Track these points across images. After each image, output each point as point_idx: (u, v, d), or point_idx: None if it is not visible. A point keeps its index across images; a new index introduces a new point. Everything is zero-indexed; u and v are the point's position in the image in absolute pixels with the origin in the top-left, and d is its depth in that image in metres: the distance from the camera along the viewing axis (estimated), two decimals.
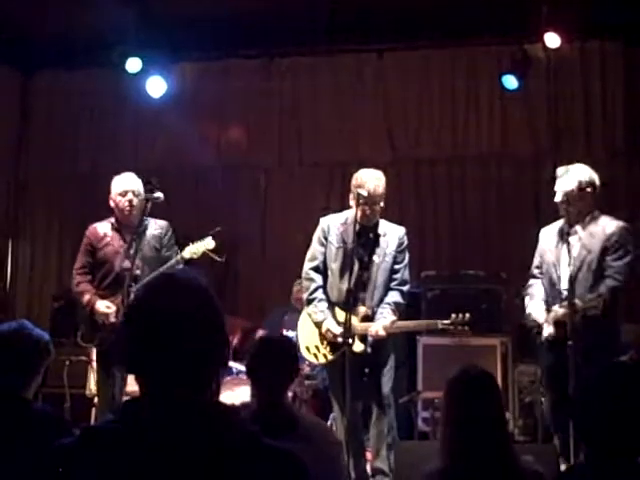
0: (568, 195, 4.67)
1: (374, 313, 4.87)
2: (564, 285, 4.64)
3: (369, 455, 5.04)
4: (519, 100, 7.49)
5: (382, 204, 4.92)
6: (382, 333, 4.75)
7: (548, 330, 4.63)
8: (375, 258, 4.89)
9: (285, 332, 6.46)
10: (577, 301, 4.44)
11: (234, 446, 1.54)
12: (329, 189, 8.17)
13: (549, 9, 6.48)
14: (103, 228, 5.25)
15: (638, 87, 7.44)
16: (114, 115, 8.21)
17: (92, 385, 6.08)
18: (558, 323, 4.54)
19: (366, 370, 4.82)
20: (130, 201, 5.14)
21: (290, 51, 8.04)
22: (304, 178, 8.25)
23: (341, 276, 4.91)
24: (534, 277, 4.97)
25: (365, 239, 4.91)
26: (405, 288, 4.97)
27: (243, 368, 6.19)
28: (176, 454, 1.51)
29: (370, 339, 4.81)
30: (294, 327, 6.58)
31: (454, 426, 2.72)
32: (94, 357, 6.07)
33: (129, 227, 5.18)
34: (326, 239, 5.04)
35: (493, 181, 7.81)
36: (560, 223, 4.85)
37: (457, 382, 2.79)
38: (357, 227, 4.84)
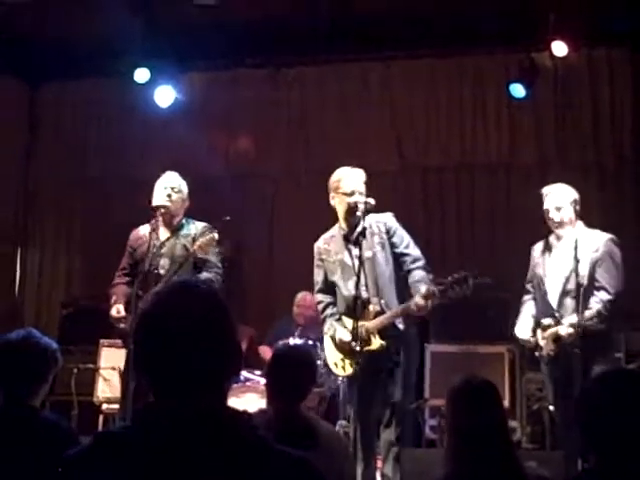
0: (557, 213, 4.85)
1: (385, 305, 4.74)
2: (553, 297, 4.77)
3: (379, 462, 4.99)
4: (526, 108, 7.49)
5: (364, 196, 4.85)
6: (421, 302, 4.54)
7: (549, 347, 4.72)
8: (367, 253, 4.75)
9: (292, 339, 6.45)
10: (574, 319, 4.53)
11: (246, 452, 1.54)
12: None
13: (556, 17, 6.48)
14: (144, 229, 5.22)
15: None
16: (122, 125, 8.25)
17: (99, 392, 6.10)
18: (557, 340, 4.63)
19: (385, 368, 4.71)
20: (169, 195, 5.11)
21: (297, 61, 8.07)
22: (311, 187, 8.22)
23: (344, 286, 4.90)
24: (527, 292, 5.12)
25: (354, 240, 4.80)
26: (421, 263, 4.81)
27: (250, 375, 6.24)
28: (187, 460, 1.51)
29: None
30: (300, 337, 6.61)
31: (457, 435, 2.72)
32: (102, 364, 6.10)
33: (168, 227, 5.18)
34: (322, 260, 5.06)
35: (501, 189, 7.80)
36: (547, 240, 4.97)
37: (459, 392, 2.80)
38: (344, 231, 4.88)
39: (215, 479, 1.50)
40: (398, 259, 4.84)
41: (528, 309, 5.03)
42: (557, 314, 4.68)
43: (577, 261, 4.65)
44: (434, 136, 7.89)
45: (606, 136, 7.49)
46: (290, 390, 3.27)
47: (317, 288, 5.10)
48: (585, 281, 4.61)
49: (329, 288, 5.04)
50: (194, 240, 5.08)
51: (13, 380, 3.00)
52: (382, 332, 4.67)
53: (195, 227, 5.20)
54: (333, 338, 4.93)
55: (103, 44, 7.15)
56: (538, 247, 5.09)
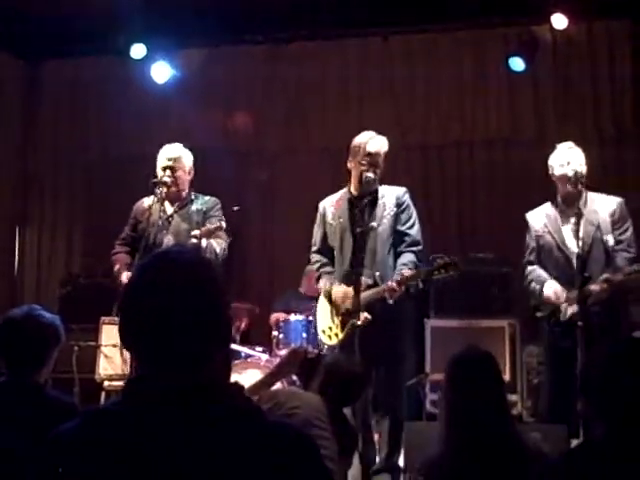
0: (580, 172, 4.72)
1: (378, 280, 4.68)
2: (575, 262, 4.59)
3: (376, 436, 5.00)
4: (526, 82, 7.45)
5: (381, 167, 4.82)
6: (394, 286, 4.51)
7: (571, 310, 4.57)
8: (373, 224, 4.70)
9: (294, 316, 6.47)
10: (613, 276, 4.43)
11: (235, 423, 1.52)
12: (335, 174, 8.15)
13: None
14: (148, 201, 5.14)
15: None
16: (119, 102, 8.19)
17: (101, 370, 6.10)
18: (580, 302, 4.46)
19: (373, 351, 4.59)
20: (169, 176, 5.04)
21: (296, 36, 8.00)
22: (311, 163, 8.23)
23: (342, 252, 4.85)
24: (530, 264, 4.94)
25: (361, 207, 4.71)
26: (417, 248, 4.79)
27: (251, 352, 6.26)
28: (175, 434, 1.49)
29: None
30: (301, 313, 6.64)
31: (455, 405, 2.73)
32: (103, 341, 6.10)
33: (175, 201, 5.14)
34: (324, 222, 5.01)
35: (501, 163, 7.79)
36: (548, 205, 4.85)
37: (459, 362, 2.80)
38: (351, 195, 4.83)
39: (205, 452, 1.48)
40: (398, 236, 4.81)
41: (542, 274, 4.81)
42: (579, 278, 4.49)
43: (598, 225, 4.64)
44: (434, 111, 7.85)
45: (606, 109, 7.46)
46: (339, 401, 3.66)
47: (314, 248, 5.07)
48: (612, 243, 4.57)
49: (326, 250, 5.01)
50: (205, 214, 5.04)
51: (18, 357, 3.00)
52: (369, 306, 4.58)
53: (203, 201, 5.17)
54: (329, 294, 4.87)
55: (100, 20, 7.08)
56: (538, 215, 4.95)
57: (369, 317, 4.48)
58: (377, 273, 4.71)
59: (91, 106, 8.42)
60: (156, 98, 7.73)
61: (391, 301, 4.59)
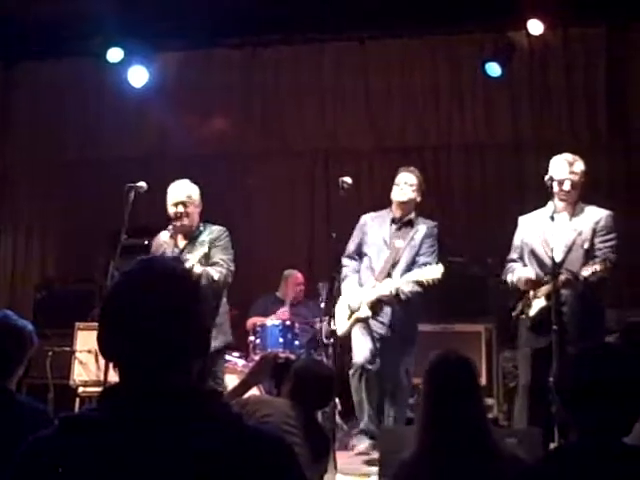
0: (576, 181, 4.81)
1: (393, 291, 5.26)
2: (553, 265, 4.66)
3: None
4: (502, 87, 7.50)
5: (415, 196, 5.45)
6: (385, 292, 5.21)
7: (539, 304, 4.68)
8: (398, 243, 5.37)
9: (270, 321, 6.47)
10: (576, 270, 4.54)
11: (215, 430, 1.52)
12: (312, 178, 8.18)
13: None
14: (164, 236, 5.33)
15: (620, 72, 7.47)
16: (97, 105, 8.16)
17: (75, 375, 6.05)
18: (548, 296, 4.58)
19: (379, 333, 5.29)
20: (182, 213, 5.18)
21: (273, 40, 8.00)
22: (288, 167, 8.24)
23: (374, 260, 5.39)
24: (513, 261, 5.02)
25: (397, 226, 5.46)
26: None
27: (229, 357, 6.24)
28: (153, 440, 1.49)
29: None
30: (277, 317, 6.65)
31: (432, 409, 2.73)
32: (78, 347, 6.06)
33: (186, 234, 5.26)
34: (364, 231, 5.53)
35: (476, 167, 7.83)
36: (542, 211, 4.93)
37: (436, 366, 2.81)
38: (392, 216, 5.47)
39: (185, 459, 1.48)
40: (415, 260, 5.36)
41: (520, 266, 4.95)
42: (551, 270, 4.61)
43: (580, 232, 4.75)
44: (410, 116, 7.88)
45: (581, 114, 7.54)
46: (314, 407, 3.69)
47: (347, 253, 5.54)
48: (586, 246, 4.69)
49: (358, 255, 5.54)
50: (210, 244, 5.16)
51: None
52: (374, 305, 5.29)
53: (210, 231, 5.28)
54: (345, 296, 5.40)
55: (77, 23, 7.04)
56: (529, 219, 5.04)
57: (369, 314, 5.28)
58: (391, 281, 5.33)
59: (68, 109, 8.36)
60: (133, 102, 7.70)
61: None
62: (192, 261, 4.89)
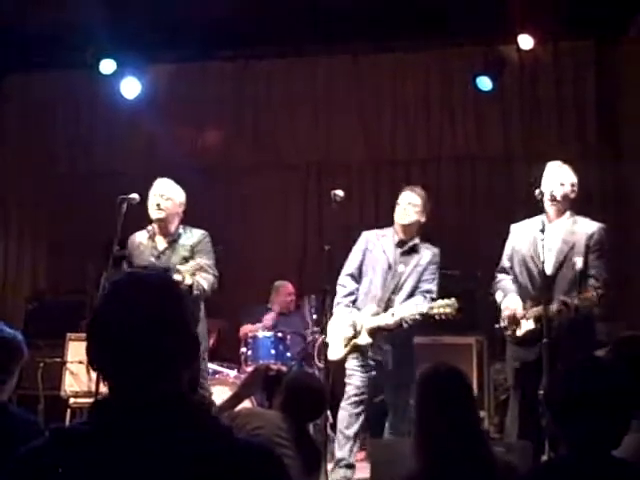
0: (563, 192, 4.73)
1: (392, 315, 5.08)
2: (545, 279, 4.61)
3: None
4: (493, 101, 7.55)
5: (418, 218, 5.26)
6: (389, 322, 5.02)
7: (527, 326, 4.62)
8: (407, 269, 5.19)
9: (262, 332, 6.48)
10: (569, 299, 4.45)
11: (205, 441, 1.53)
12: (305, 190, 8.20)
13: (522, 11, 6.52)
14: (140, 237, 5.24)
15: (610, 85, 7.53)
16: (88, 117, 8.17)
17: (67, 386, 6.03)
18: (538, 319, 4.52)
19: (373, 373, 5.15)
20: (160, 205, 5.13)
21: (265, 53, 8.03)
22: (280, 179, 8.26)
23: (373, 283, 5.21)
24: (504, 272, 4.95)
25: (401, 250, 5.24)
26: (428, 295, 5.16)
27: (219, 368, 6.24)
28: (144, 452, 1.49)
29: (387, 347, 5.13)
30: (269, 327, 6.67)
31: (426, 422, 2.73)
32: (69, 358, 6.05)
33: (165, 236, 5.19)
34: (367, 248, 5.33)
35: (467, 181, 7.87)
36: (534, 220, 4.87)
37: (428, 378, 2.81)
38: (396, 239, 5.26)
39: (173, 470, 1.48)
40: (417, 287, 5.21)
41: (511, 287, 4.86)
42: (546, 295, 4.54)
43: (572, 246, 4.66)
44: (401, 129, 7.91)
45: (571, 127, 7.59)
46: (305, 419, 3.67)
47: (347, 272, 5.34)
48: (580, 265, 4.58)
49: (358, 275, 5.33)
50: (192, 249, 5.11)
51: None
52: (373, 332, 5.10)
53: (191, 235, 5.22)
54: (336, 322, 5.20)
55: (69, 35, 7.05)
56: (521, 228, 4.95)
57: (370, 341, 5.08)
58: (392, 311, 5.11)
59: (60, 120, 8.37)
60: (125, 114, 7.70)
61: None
62: (184, 272, 4.82)
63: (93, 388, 5.22)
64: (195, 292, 4.85)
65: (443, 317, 4.95)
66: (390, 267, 5.20)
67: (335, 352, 5.15)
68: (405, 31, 7.45)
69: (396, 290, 5.16)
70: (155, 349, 1.57)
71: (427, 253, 5.29)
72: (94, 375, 5.27)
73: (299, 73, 8.08)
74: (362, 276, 5.32)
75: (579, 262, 4.58)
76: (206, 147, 8.15)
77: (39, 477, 1.50)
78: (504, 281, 4.91)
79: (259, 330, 6.57)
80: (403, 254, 5.24)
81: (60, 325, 6.39)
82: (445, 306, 4.92)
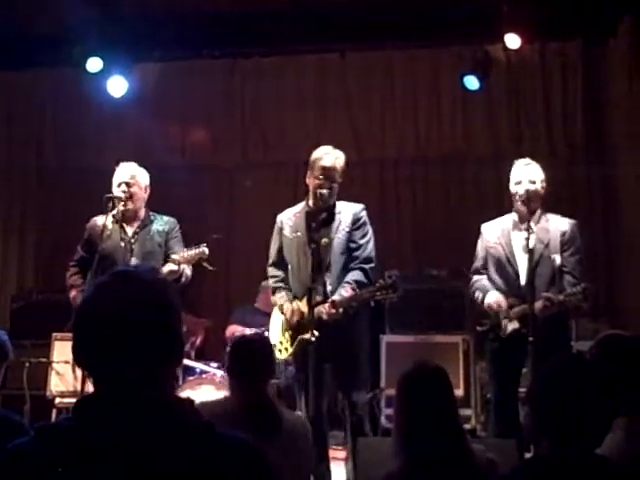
0: (532, 190, 4.71)
1: (331, 294, 4.61)
2: (523, 279, 4.66)
3: (342, 454, 5.02)
4: (480, 100, 7.56)
5: (338, 182, 4.79)
6: (331, 310, 4.49)
7: (512, 326, 4.62)
8: (325, 239, 4.64)
9: (249, 331, 6.46)
10: (553, 295, 4.47)
11: (188, 438, 1.54)
12: (294, 188, 8.18)
13: (509, 10, 6.53)
14: (101, 219, 5.07)
15: (597, 85, 7.56)
16: (75, 115, 8.13)
17: (52, 386, 6.01)
18: (523, 318, 4.53)
19: (326, 365, 4.62)
20: (125, 193, 5.04)
21: (253, 52, 8.02)
22: (269, 178, 8.25)
23: (298, 267, 4.77)
24: (479, 273, 4.94)
25: (317, 222, 4.62)
26: (368, 266, 4.70)
27: (206, 368, 6.22)
28: (129, 450, 1.50)
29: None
30: (256, 327, 6.65)
31: (406, 419, 2.74)
32: (54, 358, 6.02)
33: (133, 221, 5.12)
34: (281, 235, 4.93)
35: (455, 180, 7.89)
36: (505, 219, 4.88)
37: (410, 377, 2.82)
38: (308, 209, 4.79)
39: (157, 467, 1.50)
40: (351, 252, 4.74)
41: (487, 283, 4.82)
42: (526, 294, 4.53)
43: (547, 243, 4.67)
44: (390, 127, 7.93)
45: (558, 127, 7.62)
46: (255, 378, 3.30)
47: (270, 261, 4.99)
48: (559, 262, 4.57)
49: (282, 263, 4.93)
50: (167, 235, 5.05)
51: None
52: (319, 322, 4.47)
53: (163, 222, 5.17)
54: (281, 308, 4.82)
55: (56, 33, 7.03)
56: (492, 227, 4.94)
57: (316, 334, 4.32)
58: (329, 288, 4.63)
59: (47, 118, 8.34)
60: (113, 112, 7.67)
61: (325, 317, 4.51)
62: (182, 262, 4.81)
63: (79, 388, 5.20)
64: (182, 280, 4.84)
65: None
66: (309, 245, 4.64)
67: (283, 351, 4.81)
68: (393, 30, 7.46)
69: (326, 266, 4.63)
70: (140, 346, 1.57)
71: (347, 213, 4.77)
72: (80, 374, 5.25)
73: (288, 71, 8.08)
74: (286, 262, 4.89)
75: (557, 259, 4.60)
76: (194, 145, 8.14)
77: (25, 474, 1.51)
78: (480, 281, 4.90)
79: (246, 330, 6.55)
80: (319, 223, 4.63)
81: (46, 325, 6.36)
82: (385, 288, 4.50)
